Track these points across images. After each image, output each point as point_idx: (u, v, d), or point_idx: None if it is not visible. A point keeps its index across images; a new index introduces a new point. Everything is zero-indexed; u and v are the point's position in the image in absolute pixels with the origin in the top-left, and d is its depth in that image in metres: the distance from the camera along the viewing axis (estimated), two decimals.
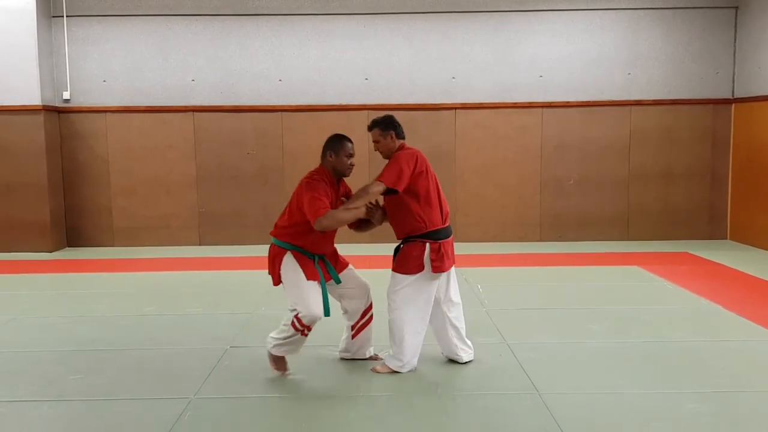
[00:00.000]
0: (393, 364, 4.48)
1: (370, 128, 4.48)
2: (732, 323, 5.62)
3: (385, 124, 4.45)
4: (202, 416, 3.89)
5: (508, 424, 3.76)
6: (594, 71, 9.65)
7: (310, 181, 4.28)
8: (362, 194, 4.30)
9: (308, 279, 4.28)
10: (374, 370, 4.51)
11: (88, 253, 9.43)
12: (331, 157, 4.36)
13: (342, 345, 4.75)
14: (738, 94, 9.58)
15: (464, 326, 4.69)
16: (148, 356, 4.95)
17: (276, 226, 4.44)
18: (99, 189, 9.75)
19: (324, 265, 4.43)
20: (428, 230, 4.33)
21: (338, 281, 4.49)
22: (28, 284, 7.55)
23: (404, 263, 4.36)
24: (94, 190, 9.76)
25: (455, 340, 4.63)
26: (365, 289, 4.58)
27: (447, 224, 4.44)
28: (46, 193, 9.29)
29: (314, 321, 4.26)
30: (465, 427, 3.71)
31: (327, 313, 4.31)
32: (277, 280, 4.40)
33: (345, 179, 4.50)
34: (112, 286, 7.38)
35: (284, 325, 4.33)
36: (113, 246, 9.78)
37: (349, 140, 4.41)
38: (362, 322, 4.62)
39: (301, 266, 4.29)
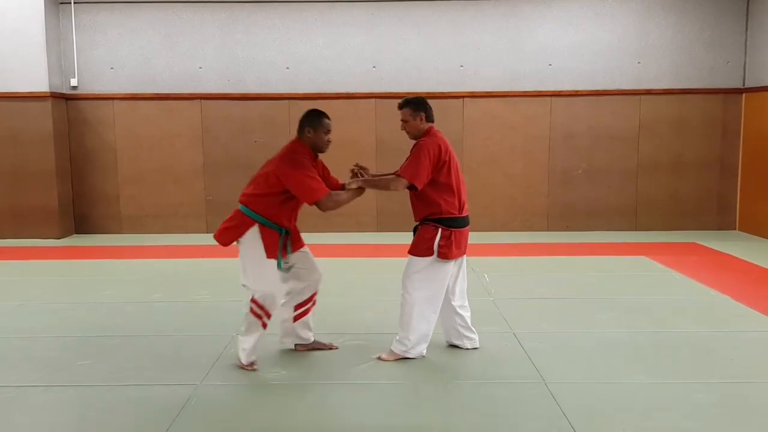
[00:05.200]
0: (398, 349, 4.49)
1: (401, 107, 4.48)
2: (740, 314, 5.60)
3: (417, 105, 4.45)
4: (208, 402, 3.90)
5: (514, 412, 3.76)
6: (604, 60, 9.58)
7: (295, 157, 4.24)
8: (382, 183, 4.38)
9: (268, 257, 4.24)
10: (380, 359, 4.52)
11: (95, 240, 9.47)
12: (309, 133, 4.35)
13: (282, 332, 4.66)
14: (749, 84, 9.49)
15: (470, 314, 4.71)
16: (155, 343, 4.96)
17: (245, 193, 4.36)
18: (107, 176, 9.78)
19: (287, 239, 4.37)
20: (443, 216, 4.35)
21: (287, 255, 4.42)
22: (36, 270, 7.58)
23: (416, 245, 4.42)
24: (101, 178, 9.78)
25: (460, 328, 4.66)
26: (317, 273, 4.54)
27: (464, 214, 4.44)
28: (54, 180, 9.32)
29: (272, 301, 4.26)
30: (470, 415, 3.71)
31: (279, 266, 4.32)
32: (228, 242, 4.33)
33: (320, 156, 4.48)
34: (120, 273, 7.41)
35: (245, 317, 4.31)
36: (121, 233, 9.81)
37: (327, 116, 4.39)
38: (305, 308, 4.58)
39: (265, 243, 4.23)
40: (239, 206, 4.36)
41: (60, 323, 5.46)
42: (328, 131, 4.36)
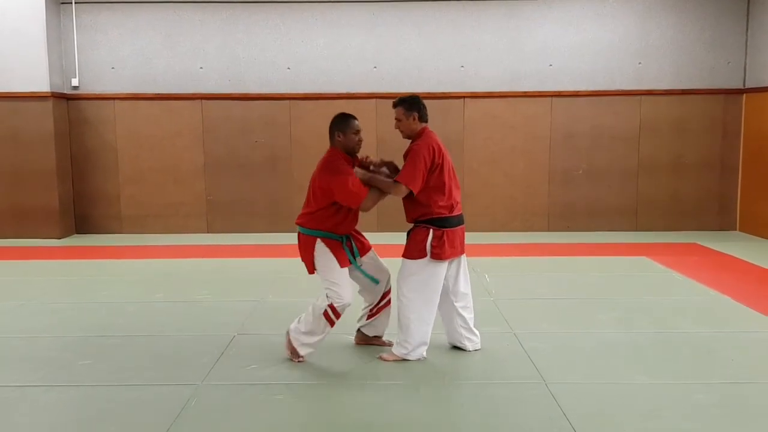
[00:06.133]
0: (399, 351, 4.50)
1: (395, 105, 4.52)
2: (740, 314, 5.60)
3: (410, 104, 4.47)
4: (209, 403, 3.90)
5: (514, 413, 3.76)
6: (604, 60, 9.58)
7: (333, 165, 4.31)
8: (383, 186, 4.37)
9: (342, 266, 4.36)
10: (381, 358, 4.53)
11: (96, 239, 9.47)
12: (339, 137, 4.42)
13: (361, 319, 4.80)
14: (749, 84, 9.49)
15: (473, 316, 4.71)
16: (155, 343, 4.97)
17: (300, 214, 4.47)
18: (107, 176, 9.78)
19: (351, 244, 4.48)
20: (434, 217, 4.36)
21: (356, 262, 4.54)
22: (37, 270, 7.58)
23: (409, 248, 4.44)
24: (102, 177, 9.79)
25: (461, 330, 4.65)
26: (386, 274, 4.64)
27: (456, 213, 4.44)
28: (54, 180, 9.32)
29: (346, 308, 4.37)
30: (471, 416, 3.72)
31: (357, 267, 4.48)
32: (311, 268, 4.46)
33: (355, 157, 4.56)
34: (121, 272, 7.41)
35: (311, 315, 4.38)
36: (121, 233, 9.82)
37: (354, 117, 4.47)
38: (381, 304, 4.70)
39: (334, 253, 4.35)
40: (298, 229, 4.48)
41: (60, 323, 5.47)
42: (357, 131, 4.44)
